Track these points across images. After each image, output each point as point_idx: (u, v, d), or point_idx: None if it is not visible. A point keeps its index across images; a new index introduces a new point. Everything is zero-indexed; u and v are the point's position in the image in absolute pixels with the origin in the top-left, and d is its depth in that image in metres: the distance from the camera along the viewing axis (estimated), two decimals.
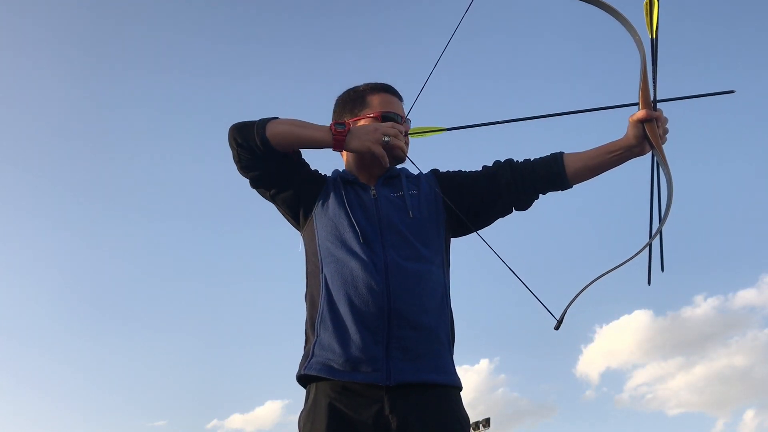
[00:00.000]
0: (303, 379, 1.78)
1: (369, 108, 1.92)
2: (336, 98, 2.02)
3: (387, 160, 1.80)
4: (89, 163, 20.36)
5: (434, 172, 1.99)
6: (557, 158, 1.87)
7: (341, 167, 2.00)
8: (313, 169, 1.94)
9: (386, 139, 1.77)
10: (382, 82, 2.00)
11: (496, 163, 1.94)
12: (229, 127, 1.81)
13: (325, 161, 1.98)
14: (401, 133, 1.83)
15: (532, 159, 1.91)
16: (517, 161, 1.93)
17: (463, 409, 1.80)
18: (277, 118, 1.80)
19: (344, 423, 1.67)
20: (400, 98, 1.98)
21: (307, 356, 1.76)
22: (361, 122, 1.91)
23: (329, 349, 1.72)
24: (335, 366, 1.70)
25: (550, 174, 1.86)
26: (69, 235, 20.51)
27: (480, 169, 1.96)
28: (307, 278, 1.87)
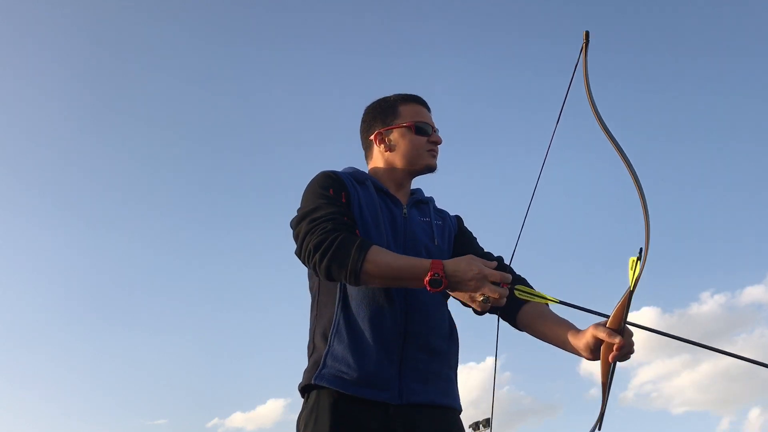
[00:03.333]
0: (309, 388, 1.75)
1: (400, 118, 1.92)
2: (365, 107, 2.01)
3: (484, 312, 1.63)
4: (89, 163, 20.39)
5: (458, 219, 2.04)
6: (519, 305, 1.80)
7: (354, 164, 1.98)
8: (342, 192, 1.80)
9: (481, 299, 1.53)
10: (411, 93, 2.00)
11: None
12: (316, 253, 1.61)
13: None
14: (504, 294, 1.54)
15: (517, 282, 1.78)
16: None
17: (463, 428, 1.83)
18: (368, 252, 1.58)
19: (348, 423, 1.66)
20: (428, 109, 1.98)
21: (317, 365, 1.73)
22: (394, 132, 1.91)
23: (343, 362, 1.70)
24: (347, 379, 1.69)
25: (506, 314, 1.82)
26: (70, 239, 20.54)
27: (484, 251, 1.97)
28: (318, 285, 1.84)
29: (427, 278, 1.53)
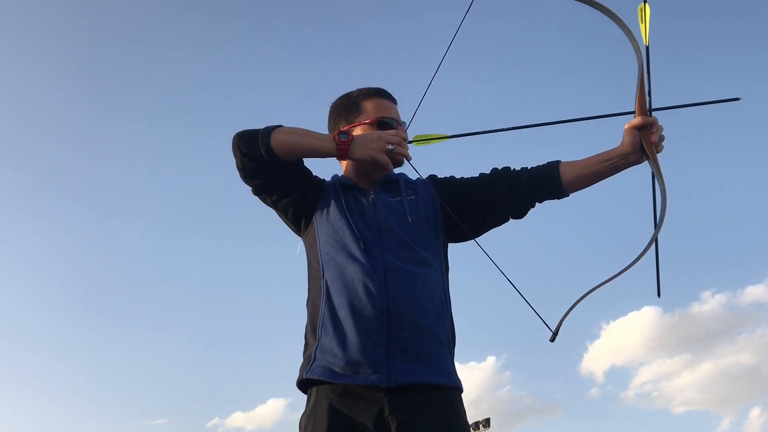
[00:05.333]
0: (304, 384, 1.79)
1: (364, 114, 1.92)
2: (330, 105, 2.02)
3: (391, 167, 1.81)
4: (90, 164, 20.39)
5: (432, 178, 2.01)
6: (553, 167, 1.88)
7: (339, 172, 2.01)
8: (314, 174, 1.95)
9: (390, 147, 1.76)
10: (376, 86, 1.99)
11: (494, 171, 1.95)
12: (233, 135, 1.80)
13: (324, 168, 2.00)
14: (404, 140, 1.85)
15: (528, 167, 1.93)
16: (513, 169, 1.94)
17: (464, 410, 1.80)
18: (281, 126, 1.80)
19: (345, 425, 1.68)
20: (393, 101, 1.98)
21: (308, 361, 1.77)
22: (357, 129, 1.91)
23: (330, 353, 1.73)
24: (336, 369, 1.72)
25: (546, 182, 1.88)
26: (70, 235, 20.54)
27: (477, 176, 1.97)
28: (308, 284, 1.89)
29: (335, 133, 1.78)
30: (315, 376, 1.74)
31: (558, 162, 1.89)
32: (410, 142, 1.88)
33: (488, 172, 1.97)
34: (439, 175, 2.02)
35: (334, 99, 2.03)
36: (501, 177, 1.92)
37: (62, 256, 20.58)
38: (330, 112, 2.01)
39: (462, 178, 1.99)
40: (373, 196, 1.89)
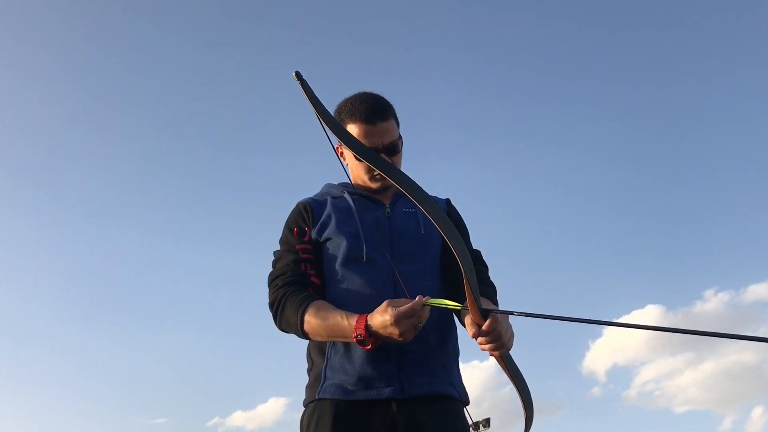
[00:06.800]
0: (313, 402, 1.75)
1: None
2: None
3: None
4: (90, 162, 20.38)
5: (447, 203, 1.99)
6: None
7: (336, 179, 1.97)
8: (301, 234, 1.85)
9: (419, 325, 1.58)
10: (365, 102, 1.84)
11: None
12: (273, 319, 1.78)
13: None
14: (424, 316, 1.60)
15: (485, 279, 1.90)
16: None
17: (466, 421, 1.80)
18: (304, 315, 1.69)
19: (349, 422, 1.67)
20: (382, 119, 1.82)
21: (318, 379, 1.74)
22: (346, 150, 1.83)
23: (341, 370, 1.71)
24: (348, 386, 1.69)
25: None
26: (70, 234, 20.55)
27: (475, 250, 1.95)
28: None
29: (354, 340, 1.61)
30: (328, 396, 1.70)
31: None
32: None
33: (481, 257, 1.95)
34: (454, 203, 2.00)
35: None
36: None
37: (62, 255, 20.59)
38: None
39: (465, 233, 1.96)
40: (388, 208, 1.87)
